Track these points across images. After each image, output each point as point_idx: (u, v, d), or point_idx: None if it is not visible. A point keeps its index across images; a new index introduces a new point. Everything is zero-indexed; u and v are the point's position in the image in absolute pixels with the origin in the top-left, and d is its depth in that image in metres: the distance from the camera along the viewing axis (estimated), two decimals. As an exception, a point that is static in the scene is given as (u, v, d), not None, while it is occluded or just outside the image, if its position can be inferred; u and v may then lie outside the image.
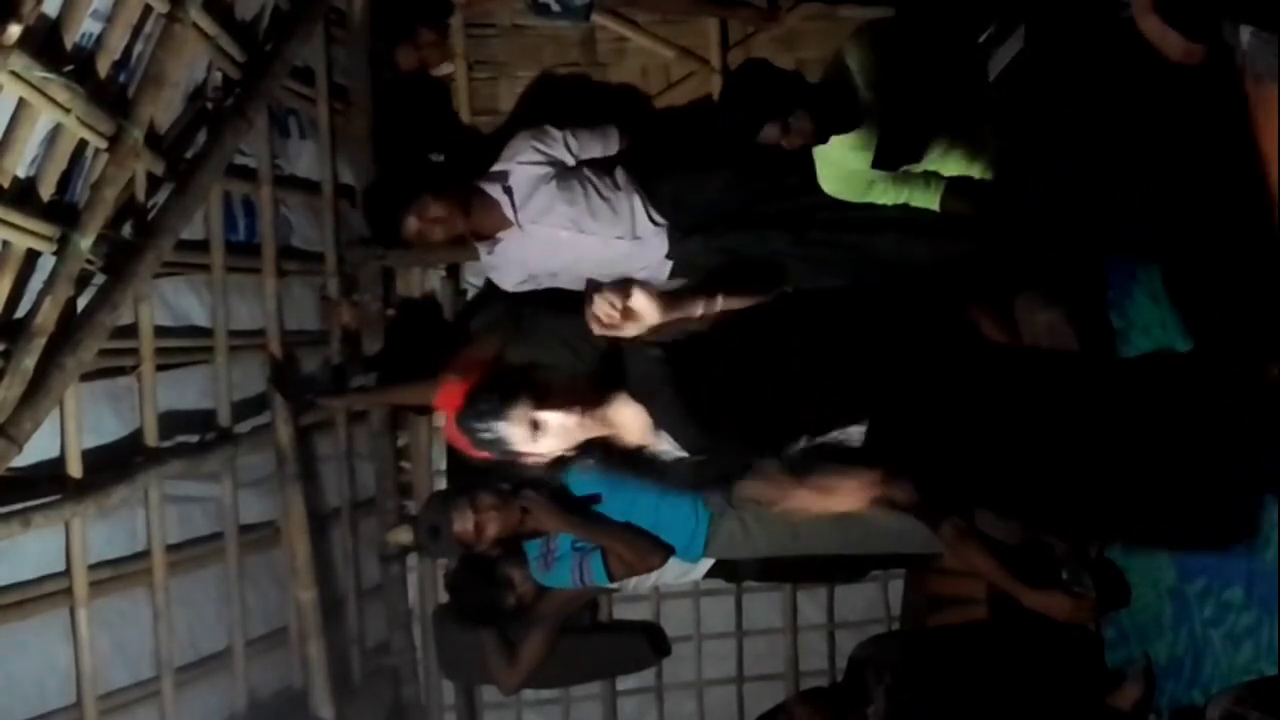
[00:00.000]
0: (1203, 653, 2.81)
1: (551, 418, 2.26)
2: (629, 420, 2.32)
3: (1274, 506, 2.53)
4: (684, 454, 2.33)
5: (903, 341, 2.41)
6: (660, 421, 2.29)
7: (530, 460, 2.39)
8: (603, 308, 2.39)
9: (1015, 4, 3.40)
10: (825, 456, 2.27)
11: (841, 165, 3.15)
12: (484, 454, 2.49)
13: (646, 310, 2.40)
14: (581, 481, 3.21)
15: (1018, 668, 3.14)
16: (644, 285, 2.47)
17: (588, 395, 2.32)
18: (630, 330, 2.42)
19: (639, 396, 2.31)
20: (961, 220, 3.20)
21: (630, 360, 2.35)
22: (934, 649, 3.47)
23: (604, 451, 2.40)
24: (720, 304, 2.59)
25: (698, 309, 2.53)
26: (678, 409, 2.28)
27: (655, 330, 2.41)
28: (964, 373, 2.39)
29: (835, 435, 2.29)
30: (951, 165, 3.21)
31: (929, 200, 3.20)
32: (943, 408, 2.33)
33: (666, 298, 2.47)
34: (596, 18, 3.87)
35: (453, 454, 3.79)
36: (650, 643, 4.05)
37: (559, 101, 3.87)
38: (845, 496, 2.22)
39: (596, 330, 2.45)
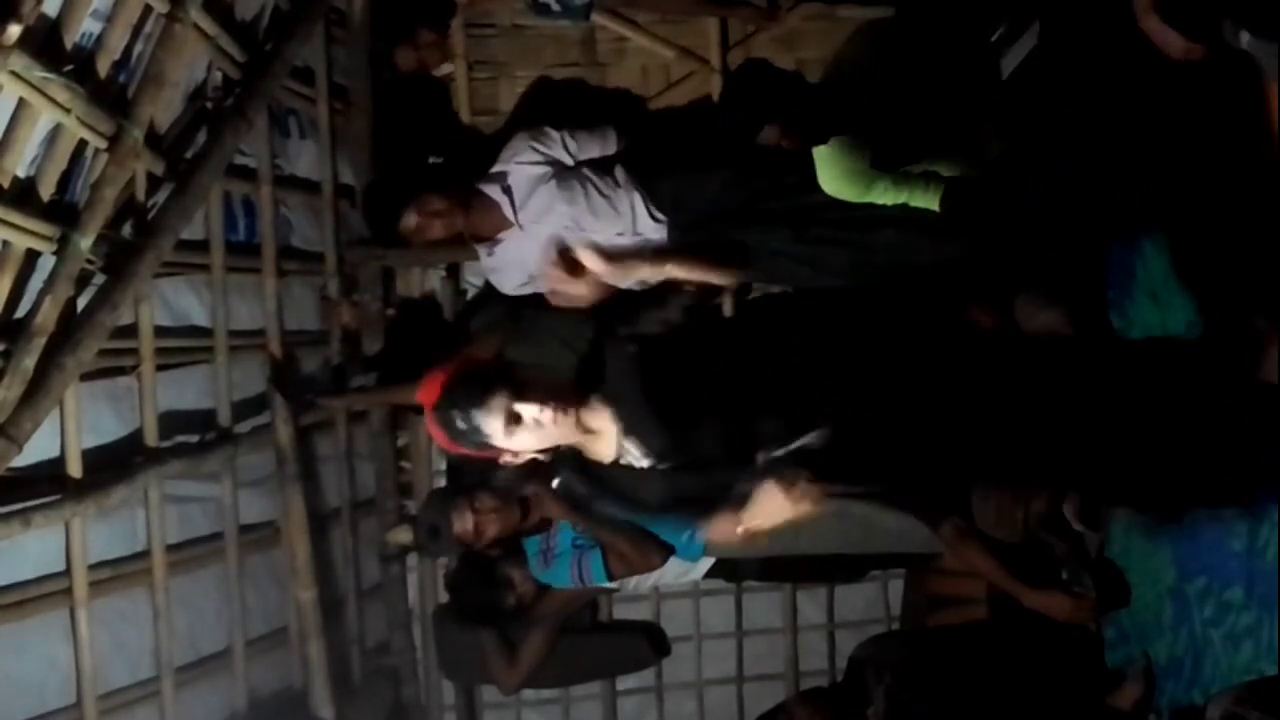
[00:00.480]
0: (1203, 653, 2.80)
1: (529, 411, 2.26)
2: (602, 426, 2.32)
3: (1274, 506, 2.52)
4: (652, 462, 2.32)
5: (902, 341, 2.41)
6: (628, 424, 2.30)
7: (504, 459, 2.39)
8: (552, 271, 2.44)
9: (1029, 1, 3.39)
10: (800, 462, 2.29)
11: (841, 165, 3.15)
12: (460, 448, 2.49)
13: (595, 266, 2.45)
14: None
15: (1018, 668, 3.13)
16: (590, 246, 2.53)
17: (567, 394, 2.32)
18: (583, 292, 2.47)
19: (611, 396, 2.31)
20: (961, 220, 3.20)
21: (610, 356, 2.36)
22: (934, 649, 3.46)
23: (579, 464, 2.41)
24: (669, 269, 2.65)
25: (644, 271, 2.60)
26: (647, 410, 2.28)
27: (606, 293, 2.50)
28: (963, 373, 2.40)
29: (809, 439, 2.30)
30: (952, 165, 3.21)
31: (929, 200, 3.20)
32: (943, 407, 2.34)
33: (616, 257, 2.53)
34: (596, 18, 3.87)
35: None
36: (650, 643, 4.04)
37: (559, 101, 3.87)
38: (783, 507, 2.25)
39: (554, 300, 2.49)
